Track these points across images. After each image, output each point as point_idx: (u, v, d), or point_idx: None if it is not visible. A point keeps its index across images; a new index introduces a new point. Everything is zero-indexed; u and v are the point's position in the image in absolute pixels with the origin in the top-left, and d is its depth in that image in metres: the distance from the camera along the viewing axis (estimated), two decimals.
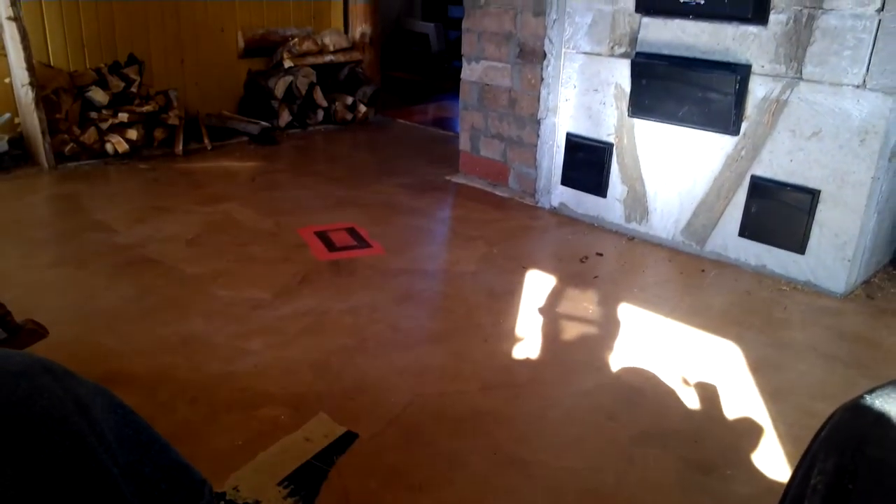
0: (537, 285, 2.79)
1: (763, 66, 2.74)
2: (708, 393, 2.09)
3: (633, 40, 3.12)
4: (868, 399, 0.78)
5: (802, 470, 0.81)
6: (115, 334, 2.30)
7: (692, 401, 2.05)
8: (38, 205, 3.59)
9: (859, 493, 0.71)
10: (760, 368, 2.22)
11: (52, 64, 4.27)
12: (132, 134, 4.29)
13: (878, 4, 2.40)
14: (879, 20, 2.41)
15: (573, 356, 2.28)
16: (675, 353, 2.31)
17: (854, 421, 0.77)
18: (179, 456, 0.95)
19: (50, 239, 3.12)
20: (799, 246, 2.79)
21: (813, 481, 0.76)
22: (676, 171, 3.11)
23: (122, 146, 4.25)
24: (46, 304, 2.47)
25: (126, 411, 0.90)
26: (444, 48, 7.21)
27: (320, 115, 5.41)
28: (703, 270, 2.98)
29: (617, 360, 2.26)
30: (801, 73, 2.64)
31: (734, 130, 2.86)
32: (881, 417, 0.75)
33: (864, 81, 2.49)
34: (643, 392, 2.09)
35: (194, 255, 2.94)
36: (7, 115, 4.14)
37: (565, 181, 3.59)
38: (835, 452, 0.76)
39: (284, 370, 2.13)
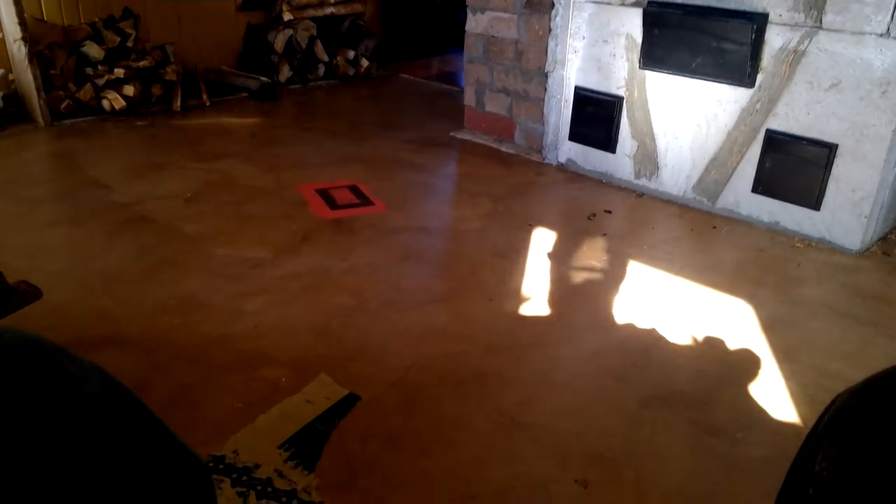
0: (543, 243, 2.72)
1: (781, 15, 2.62)
2: (719, 353, 2.04)
3: None
4: (874, 382, 0.74)
5: (805, 455, 0.78)
6: (111, 295, 2.25)
7: (702, 361, 2.00)
8: (34, 162, 3.52)
9: (864, 480, 0.68)
10: (773, 327, 2.17)
11: (45, 18, 4.16)
12: (129, 90, 4.19)
13: None
14: None
15: (579, 316, 2.23)
16: (685, 312, 2.25)
17: (860, 406, 0.73)
18: (173, 434, 0.91)
19: (46, 197, 3.05)
20: (814, 202, 2.71)
21: (817, 467, 0.73)
22: (689, 125, 3.01)
23: (119, 102, 4.16)
24: (42, 264, 2.42)
25: (119, 388, 0.86)
26: None
27: (321, 69, 5.29)
28: (714, 227, 2.91)
29: (625, 319, 2.20)
30: (820, 22, 2.53)
31: (749, 82, 2.75)
32: (888, 402, 0.71)
33: (889, 30, 2.38)
34: (651, 353, 2.04)
35: (193, 214, 2.88)
36: (0, 72, 4.04)
37: (573, 136, 3.50)
38: (840, 438, 0.72)
39: (285, 331, 2.08)
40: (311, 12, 5.17)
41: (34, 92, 3.85)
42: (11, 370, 0.70)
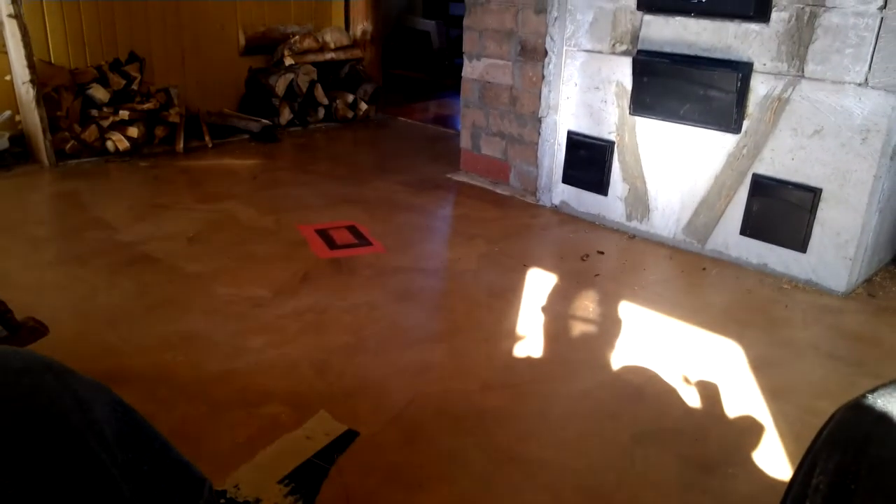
0: (538, 284, 2.78)
1: (765, 64, 2.73)
2: (709, 391, 2.09)
3: (635, 38, 3.11)
4: (870, 398, 0.77)
5: (804, 469, 0.81)
6: (115, 332, 2.30)
7: (693, 399, 2.05)
8: (39, 203, 3.59)
9: (862, 493, 0.71)
10: (761, 367, 2.22)
11: (52, 61, 4.27)
12: (133, 131, 4.29)
13: (881, 2, 2.39)
14: (882, 18, 2.40)
15: (574, 355, 2.28)
16: (676, 351, 2.31)
17: (856, 420, 0.77)
18: (179, 454, 0.95)
19: (51, 237, 3.12)
20: (800, 244, 2.78)
21: (815, 481, 0.76)
22: (678, 169, 3.11)
23: (123, 144, 4.25)
24: (47, 302, 2.47)
25: (126, 409, 0.89)
26: (445, 46, 7.20)
27: (321, 112, 5.41)
28: (704, 269, 2.98)
29: (618, 358, 2.26)
30: (802, 71, 2.64)
31: (736, 128, 2.86)
32: (883, 417, 0.74)
33: (867, 79, 2.49)
34: (644, 391, 2.09)
35: (195, 253, 2.94)
36: (8, 113, 4.13)
37: (566, 179, 3.59)
38: (837, 452, 0.75)
39: (285, 368, 2.13)
40: (312, 57, 5.31)
41: (40, 133, 3.94)
42: (24, 389, 0.74)
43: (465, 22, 3.96)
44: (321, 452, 1.76)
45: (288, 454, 1.75)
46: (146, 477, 0.86)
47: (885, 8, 2.39)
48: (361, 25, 5.83)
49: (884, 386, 0.79)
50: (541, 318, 2.50)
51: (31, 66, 3.85)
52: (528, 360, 2.23)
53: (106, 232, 3.13)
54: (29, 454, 0.71)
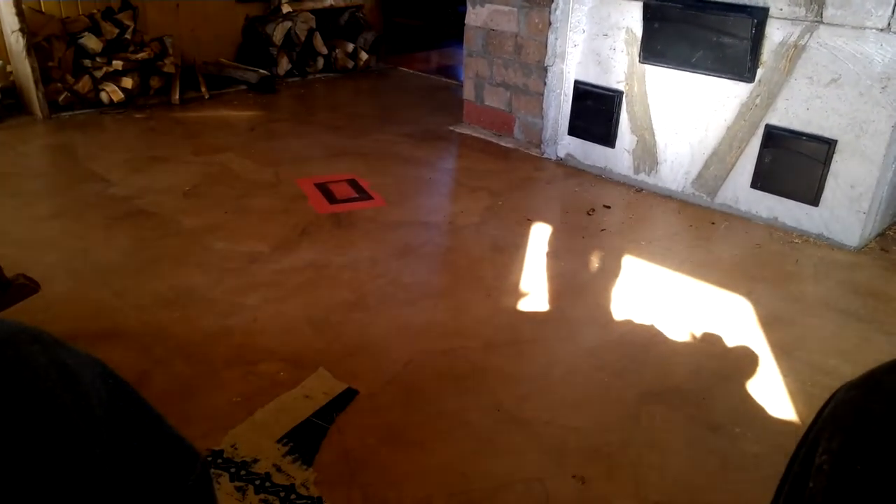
0: (542, 238, 2.72)
1: (781, 9, 2.61)
2: (717, 349, 2.04)
3: None
4: (876, 376, 0.73)
5: (805, 449, 0.77)
6: (109, 289, 2.25)
7: (700, 358, 2.00)
8: (32, 155, 3.51)
9: (868, 473, 0.67)
10: (771, 323, 2.17)
11: (42, 10, 4.14)
12: (127, 82, 4.18)
13: None
14: None
15: (578, 312, 2.23)
16: (683, 308, 2.26)
17: (861, 399, 0.73)
18: (171, 428, 0.91)
19: (44, 191, 3.05)
20: (812, 198, 2.70)
21: (818, 461, 0.72)
22: (688, 120, 3.01)
23: (118, 95, 4.14)
24: (40, 258, 2.42)
25: (117, 382, 0.85)
26: None
27: (320, 62, 5.27)
28: (713, 223, 2.91)
29: (623, 316, 2.20)
30: (821, 16, 2.52)
31: (749, 77, 2.75)
32: (890, 395, 0.71)
33: (889, 24, 2.37)
34: (650, 349, 2.04)
35: (191, 207, 2.88)
36: None
37: (572, 131, 3.49)
38: (841, 431, 0.72)
39: (283, 325, 2.08)
40: (310, 4, 5.15)
41: (32, 84, 3.84)
42: (7, 361, 0.70)
43: None
44: (320, 411, 1.72)
45: (286, 413, 1.71)
46: (135, 452, 0.82)
47: None
48: None
49: (889, 363, 0.75)
50: (544, 275, 2.44)
51: (21, 13, 3.73)
52: (532, 317, 2.18)
53: (100, 185, 3.06)
54: (13, 430, 0.67)
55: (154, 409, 0.89)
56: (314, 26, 5.11)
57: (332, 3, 5.28)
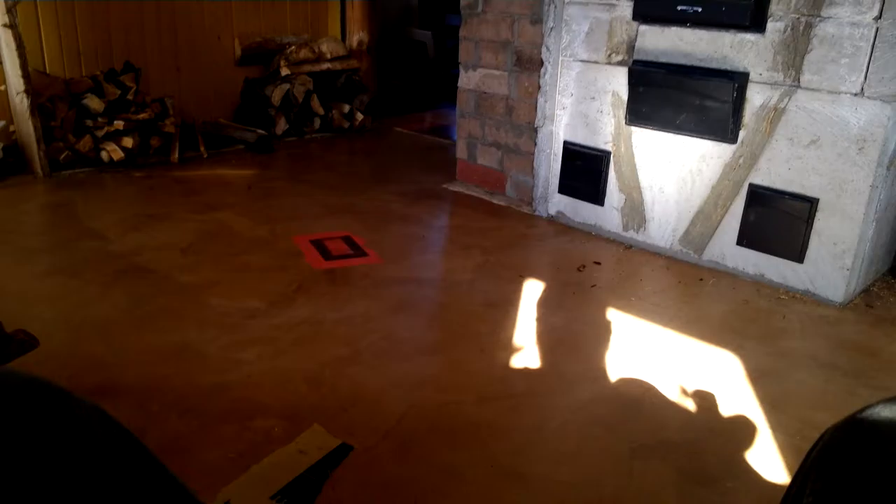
0: (534, 294, 2.77)
1: (761, 74, 2.73)
2: (707, 403, 2.07)
3: (631, 48, 3.11)
4: (860, 418, 0.76)
5: (794, 491, 0.80)
6: (107, 344, 2.27)
7: (691, 411, 2.03)
8: (32, 213, 3.56)
9: None
10: (759, 378, 2.20)
11: (47, 71, 4.26)
12: (128, 142, 4.27)
13: (876, 12, 2.39)
14: (877, 28, 2.40)
15: (571, 367, 2.26)
16: (673, 363, 2.29)
17: (846, 441, 0.76)
18: (174, 477, 0.93)
19: (43, 247, 3.09)
20: (797, 254, 2.77)
21: (804, 502, 0.75)
22: (674, 179, 3.10)
23: (118, 154, 4.23)
24: (38, 313, 2.44)
25: (120, 430, 0.88)
26: (441, 56, 7.21)
27: (317, 122, 5.40)
28: (701, 279, 2.96)
29: (615, 370, 2.24)
30: (798, 81, 2.63)
31: (732, 138, 2.85)
32: (874, 437, 0.73)
33: (862, 89, 2.48)
34: (641, 403, 2.07)
35: (189, 264, 2.92)
36: (2, 123, 4.11)
37: (562, 189, 3.58)
38: (827, 473, 0.74)
39: (278, 381, 2.10)
40: (308, 67, 5.30)
41: (34, 143, 3.92)
42: (21, 411, 0.73)
43: (462, 32, 3.96)
44: (315, 467, 1.73)
45: (281, 469, 1.72)
46: (137, 500, 0.85)
47: (880, 18, 2.39)
48: (357, 36, 5.83)
49: (873, 405, 0.79)
50: (537, 330, 2.48)
51: (26, 76, 3.84)
52: (525, 372, 2.21)
53: (99, 242, 3.11)
54: (19, 481, 0.69)
55: (155, 457, 0.91)
56: (312, 88, 5.26)
57: (330, 66, 5.44)
